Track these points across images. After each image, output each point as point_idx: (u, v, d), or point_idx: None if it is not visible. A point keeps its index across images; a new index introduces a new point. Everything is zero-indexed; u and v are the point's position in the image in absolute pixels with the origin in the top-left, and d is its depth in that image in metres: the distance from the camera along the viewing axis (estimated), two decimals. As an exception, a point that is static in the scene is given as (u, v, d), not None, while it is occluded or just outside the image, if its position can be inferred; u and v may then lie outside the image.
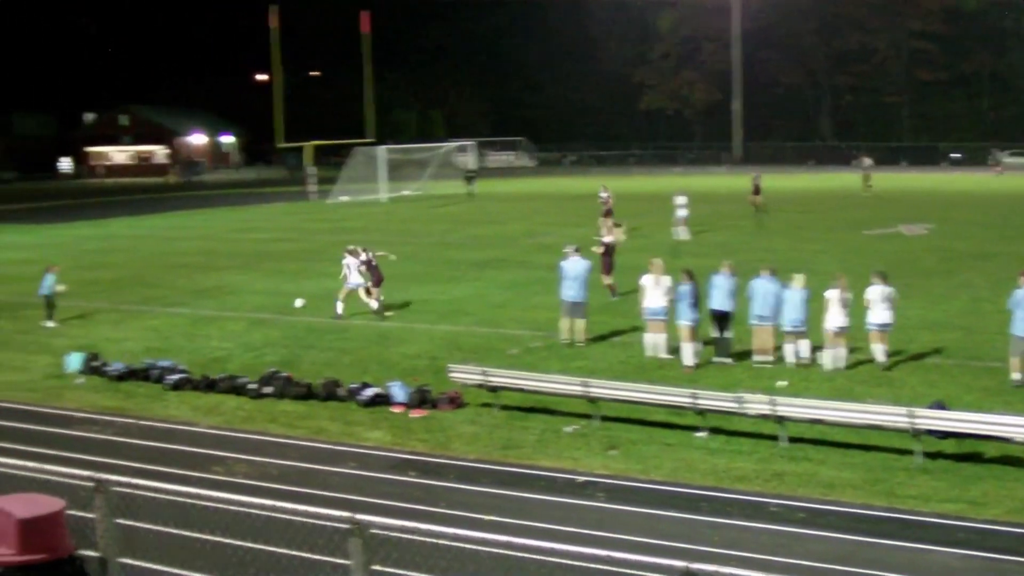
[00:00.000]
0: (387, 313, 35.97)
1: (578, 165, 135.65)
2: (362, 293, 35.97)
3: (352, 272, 36.02)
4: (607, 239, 38.94)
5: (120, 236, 64.74)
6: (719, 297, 28.22)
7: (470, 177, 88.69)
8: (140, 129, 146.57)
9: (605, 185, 57.05)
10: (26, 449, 21.41)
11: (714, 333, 28.36)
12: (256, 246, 56.80)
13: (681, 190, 56.92)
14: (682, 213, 54.80)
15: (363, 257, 36.27)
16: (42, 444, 22.47)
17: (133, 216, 79.69)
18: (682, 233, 53.89)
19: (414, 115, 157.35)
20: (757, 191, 66.37)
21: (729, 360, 27.87)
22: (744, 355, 28.07)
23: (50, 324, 36.05)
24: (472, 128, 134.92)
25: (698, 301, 27.69)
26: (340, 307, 35.81)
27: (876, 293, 27.05)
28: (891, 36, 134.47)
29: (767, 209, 64.35)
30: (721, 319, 28.25)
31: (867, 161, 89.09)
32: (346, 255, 36.26)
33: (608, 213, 52.68)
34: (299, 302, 37.39)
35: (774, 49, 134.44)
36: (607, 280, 37.35)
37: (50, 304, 36.39)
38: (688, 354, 27.40)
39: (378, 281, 36.22)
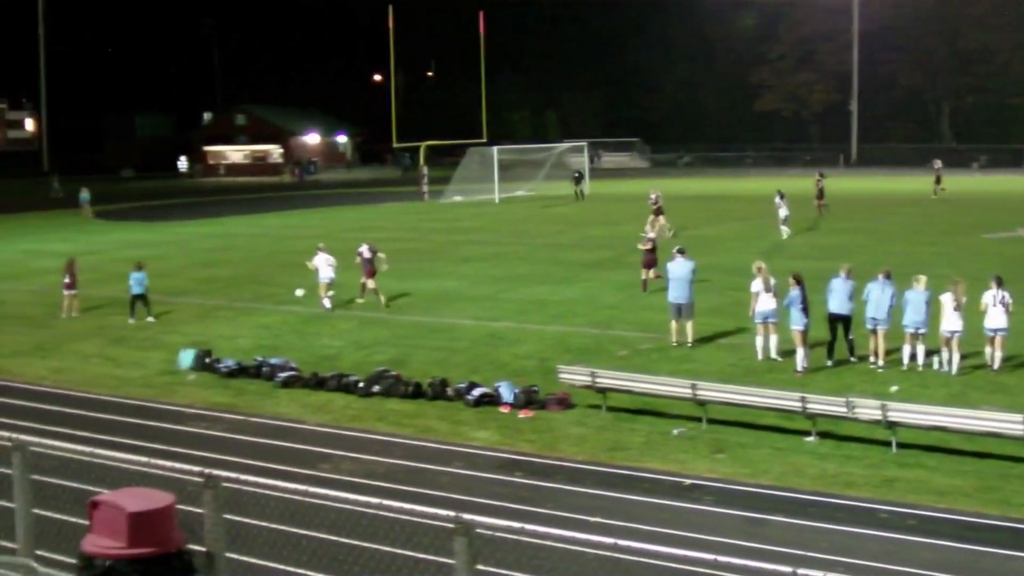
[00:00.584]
0: (386, 304, 38.01)
1: (693, 166, 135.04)
2: (323, 288, 37.85)
3: (322, 268, 37.91)
4: (652, 235, 41.23)
5: (236, 235, 65.46)
6: (837, 300, 27.96)
7: (578, 178, 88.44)
8: (256, 129, 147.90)
9: (655, 187, 56.11)
10: (138, 444, 21.72)
11: (830, 336, 28.08)
12: (369, 245, 57.04)
13: (779, 191, 56.72)
14: (783, 213, 55.15)
15: (361, 249, 39.08)
16: (154, 439, 22.78)
17: (249, 215, 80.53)
18: (784, 232, 53.97)
19: (528, 116, 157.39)
20: (821, 195, 66.59)
21: (853, 359, 27.76)
22: (861, 358, 27.81)
23: (149, 319, 36.96)
24: (586, 129, 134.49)
25: (807, 305, 27.37)
26: (327, 302, 37.54)
27: (992, 297, 26.65)
28: (1015, 37, 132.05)
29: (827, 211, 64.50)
30: (840, 322, 27.98)
31: (937, 163, 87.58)
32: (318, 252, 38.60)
33: (658, 212, 54.93)
34: (299, 291, 39.42)
35: (893, 50, 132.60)
36: (649, 274, 39.24)
37: (136, 301, 37.19)
38: (799, 358, 27.17)
39: (371, 274, 38.34)
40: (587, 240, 56.45)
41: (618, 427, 23.09)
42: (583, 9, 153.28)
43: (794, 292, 27.38)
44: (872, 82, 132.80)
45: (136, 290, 37.25)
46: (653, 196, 53.59)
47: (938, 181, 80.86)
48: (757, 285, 28.49)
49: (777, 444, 21.48)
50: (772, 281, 28.43)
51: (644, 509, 18.23)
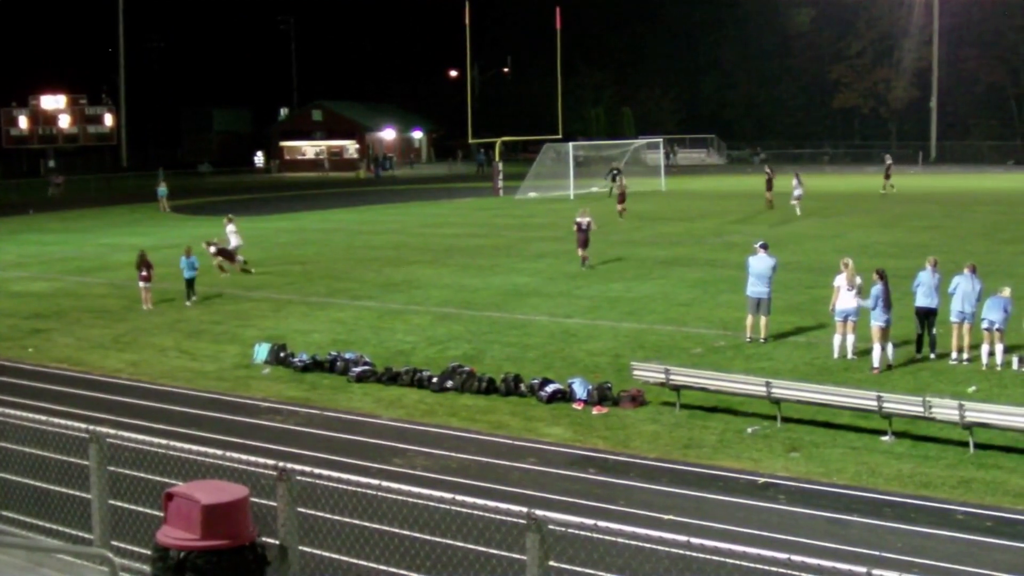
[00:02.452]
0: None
1: (769, 163, 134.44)
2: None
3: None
4: (582, 219, 45.68)
5: (311, 229, 65.81)
6: (924, 293, 27.72)
7: (615, 174, 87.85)
8: (332, 124, 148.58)
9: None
10: (213, 437, 21.91)
11: (918, 330, 27.85)
12: (445, 241, 57.25)
13: (797, 174, 57.97)
14: (797, 192, 60.40)
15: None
16: (228, 432, 22.97)
17: (324, 210, 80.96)
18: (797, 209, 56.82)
19: (603, 112, 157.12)
20: (770, 186, 69.66)
21: (932, 355, 27.51)
22: (941, 356, 27.57)
23: (193, 299, 39.32)
24: (661, 125, 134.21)
25: (890, 302, 27.12)
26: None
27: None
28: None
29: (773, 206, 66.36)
30: (926, 316, 27.75)
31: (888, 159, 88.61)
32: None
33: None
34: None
35: (975, 46, 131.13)
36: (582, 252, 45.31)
37: (189, 285, 39.45)
38: (877, 355, 26.94)
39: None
40: (661, 237, 56.26)
41: (692, 425, 23.00)
42: (660, 5, 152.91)
43: (876, 287, 27.14)
44: (953, 78, 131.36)
45: (188, 274, 39.19)
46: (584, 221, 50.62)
47: None
48: (840, 280, 28.24)
49: (853, 443, 21.30)
50: (857, 279, 28.20)
51: (717, 507, 18.14)
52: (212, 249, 44.99)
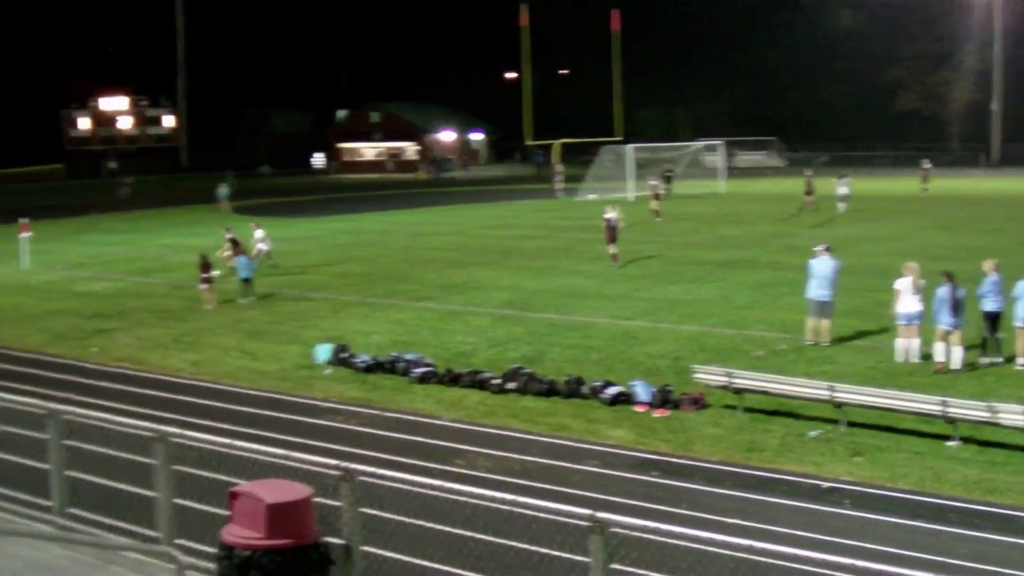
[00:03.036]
0: None
1: (829, 165, 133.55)
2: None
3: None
4: (611, 215, 47.02)
5: (370, 231, 66.01)
6: (992, 298, 27.48)
7: (668, 176, 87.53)
8: (391, 126, 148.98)
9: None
10: (276, 436, 22.00)
11: (985, 334, 27.63)
12: (504, 242, 57.29)
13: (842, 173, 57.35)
14: (842, 191, 60.73)
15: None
16: (291, 432, 23.06)
17: (383, 211, 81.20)
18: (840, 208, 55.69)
19: (660, 114, 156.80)
20: (810, 191, 69.73)
21: (1000, 359, 27.25)
22: (1009, 359, 27.34)
23: (252, 299, 39.89)
24: (718, 128, 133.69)
25: (957, 305, 26.86)
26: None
27: None
28: None
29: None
30: (992, 319, 27.50)
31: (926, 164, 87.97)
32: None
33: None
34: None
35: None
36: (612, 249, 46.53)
37: (244, 284, 40.19)
38: (939, 352, 26.81)
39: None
40: (721, 239, 56.05)
41: (754, 428, 22.88)
42: (718, 6, 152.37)
43: (942, 289, 26.94)
44: (1016, 80, 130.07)
45: (243, 274, 39.80)
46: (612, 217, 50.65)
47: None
48: (903, 284, 28.03)
49: (917, 448, 21.11)
50: (921, 282, 28.00)
51: (781, 511, 18.03)
52: (229, 236, 44.90)
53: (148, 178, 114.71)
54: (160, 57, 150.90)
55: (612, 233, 46.70)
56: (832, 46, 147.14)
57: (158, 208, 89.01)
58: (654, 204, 68.41)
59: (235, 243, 43.49)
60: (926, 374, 26.60)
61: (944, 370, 26.53)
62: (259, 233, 47.76)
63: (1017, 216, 64.52)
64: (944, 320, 26.78)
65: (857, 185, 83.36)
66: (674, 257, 49.20)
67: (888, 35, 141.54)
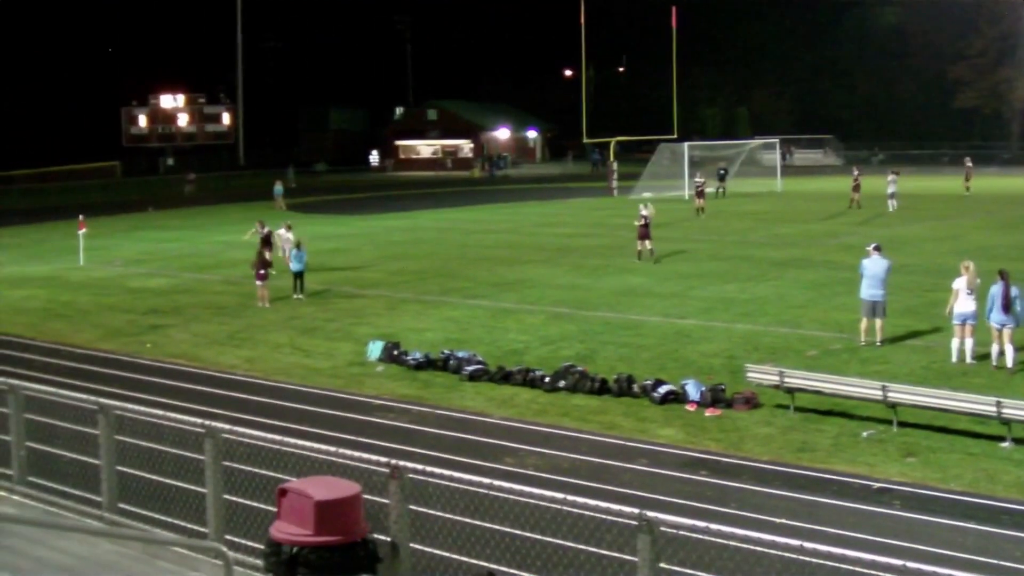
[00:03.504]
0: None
1: (886, 164, 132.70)
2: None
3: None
4: (645, 213, 48.39)
5: (425, 228, 66.13)
6: None
7: (722, 175, 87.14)
8: (447, 123, 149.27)
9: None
10: (326, 433, 22.07)
11: None
12: (558, 240, 57.27)
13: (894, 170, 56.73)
14: (891, 189, 60.17)
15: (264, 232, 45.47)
16: (341, 429, 23.14)
17: (438, 209, 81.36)
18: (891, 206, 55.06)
19: (719, 112, 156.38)
20: (857, 188, 71.18)
21: None
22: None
23: (300, 297, 40.04)
24: (777, 125, 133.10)
25: (1009, 303, 26.67)
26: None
27: None
28: None
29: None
30: None
31: (968, 162, 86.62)
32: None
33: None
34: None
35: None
36: (645, 244, 47.89)
37: (296, 278, 40.34)
38: (995, 353, 26.66)
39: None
40: (777, 238, 55.80)
41: (806, 428, 22.76)
42: (776, 4, 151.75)
43: (995, 287, 26.78)
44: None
45: (295, 267, 39.92)
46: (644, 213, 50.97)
47: (966, 179, 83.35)
48: (960, 283, 27.85)
49: (970, 449, 20.94)
50: (977, 281, 27.81)
51: (831, 512, 17.93)
52: (264, 231, 45.61)
53: (205, 175, 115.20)
54: (218, 54, 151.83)
55: (645, 229, 47.89)
56: (897, 43, 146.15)
57: (214, 205, 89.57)
58: (699, 201, 68.67)
59: (267, 240, 44.61)
60: (981, 375, 26.39)
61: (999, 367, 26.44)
62: (288, 235, 47.33)
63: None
64: (995, 318, 26.62)
65: (916, 183, 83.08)
66: (729, 255, 49.03)
67: (953, 31, 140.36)
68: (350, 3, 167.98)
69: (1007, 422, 20.89)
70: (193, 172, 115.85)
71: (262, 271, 38.97)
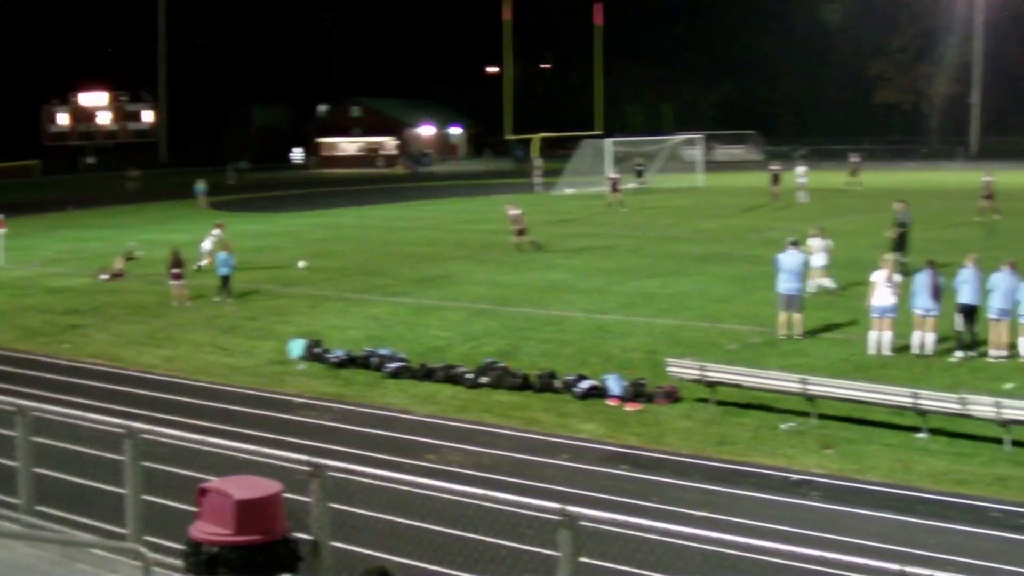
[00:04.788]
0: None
1: (809, 159, 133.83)
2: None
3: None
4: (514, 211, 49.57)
5: (347, 226, 65.98)
6: (968, 291, 27.66)
7: (639, 171, 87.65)
8: (371, 120, 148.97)
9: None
10: (247, 432, 21.99)
11: (959, 327, 27.78)
12: (481, 237, 57.35)
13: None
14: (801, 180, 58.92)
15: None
16: (262, 428, 23.06)
17: (361, 206, 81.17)
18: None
19: (642, 108, 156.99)
20: (776, 181, 73.32)
21: (973, 353, 27.37)
22: (981, 354, 27.51)
23: (228, 300, 39.09)
24: (701, 122, 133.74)
25: (937, 291, 27.20)
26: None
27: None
28: None
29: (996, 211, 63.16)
30: (969, 313, 27.68)
31: (854, 157, 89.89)
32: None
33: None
34: (302, 263, 43.38)
35: (1018, 41, 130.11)
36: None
37: (223, 281, 39.55)
38: (916, 341, 27.34)
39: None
40: (699, 233, 56.17)
41: (726, 421, 22.97)
42: (700, 1, 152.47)
43: (921, 275, 27.36)
44: (995, 74, 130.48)
45: (223, 271, 39.33)
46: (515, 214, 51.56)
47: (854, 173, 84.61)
48: (878, 276, 28.26)
49: (887, 440, 21.23)
50: (896, 277, 28.20)
51: (751, 504, 18.11)
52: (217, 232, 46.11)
53: (127, 173, 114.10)
54: (141, 51, 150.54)
55: (520, 227, 49.55)
56: (819, 40, 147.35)
57: (136, 204, 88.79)
58: (613, 197, 69.17)
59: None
60: (899, 366, 26.75)
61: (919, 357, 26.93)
62: (217, 232, 47.19)
63: (994, 209, 64.67)
64: (921, 304, 27.09)
65: (834, 178, 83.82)
66: (651, 251, 49.31)
67: (874, 28, 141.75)
68: (273, 0, 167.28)
69: (923, 413, 21.19)
70: (136, 168, 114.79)
71: (176, 271, 38.68)
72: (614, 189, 70.62)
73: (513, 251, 50.36)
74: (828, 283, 37.29)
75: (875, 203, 67.72)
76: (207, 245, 46.42)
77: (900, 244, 40.25)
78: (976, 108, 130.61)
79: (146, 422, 14.03)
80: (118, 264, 46.40)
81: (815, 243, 37.24)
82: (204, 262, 45.52)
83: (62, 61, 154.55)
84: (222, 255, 39.68)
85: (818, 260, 36.98)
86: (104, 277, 45.26)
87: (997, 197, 59.46)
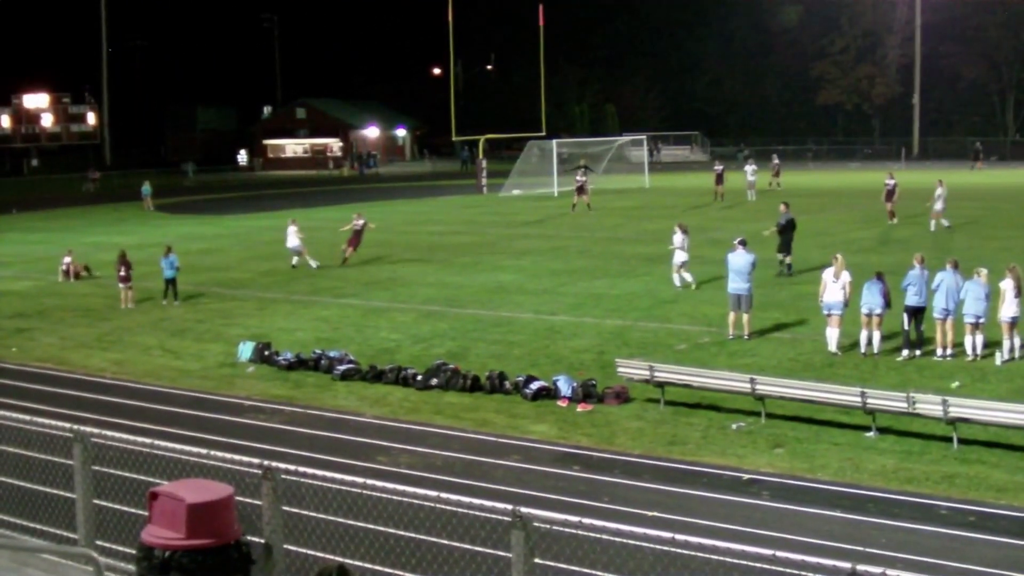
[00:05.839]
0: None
1: (753, 159, 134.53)
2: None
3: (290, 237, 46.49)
4: (359, 222, 47.81)
5: (296, 227, 65.68)
6: (914, 292, 27.87)
7: (583, 170, 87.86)
8: (316, 122, 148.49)
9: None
10: (197, 436, 21.89)
11: (906, 327, 28.00)
12: (428, 239, 57.30)
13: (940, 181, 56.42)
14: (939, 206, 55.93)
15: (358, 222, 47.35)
16: (213, 431, 22.97)
17: (307, 208, 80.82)
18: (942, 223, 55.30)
19: (587, 109, 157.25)
20: (720, 180, 74.81)
21: (918, 352, 27.59)
22: (927, 353, 27.72)
23: (176, 303, 38.83)
24: (645, 122, 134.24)
25: (887, 295, 27.54)
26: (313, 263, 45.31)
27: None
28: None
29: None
30: (915, 313, 27.90)
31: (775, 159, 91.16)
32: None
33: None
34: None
35: (958, 42, 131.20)
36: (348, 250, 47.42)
37: (168, 285, 39.15)
38: (863, 340, 27.74)
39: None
40: (645, 234, 56.29)
41: (676, 421, 23.05)
42: (644, 2, 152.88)
43: (869, 282, 27.70)
44: (935, 75, 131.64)
45: (168, 274, 38.90)
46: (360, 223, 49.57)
47: (776, 174, 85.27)
48: (828, 274, 28.53)
49: (836, 439, 21.37)
50: (846, 275, 28.41)
51: (702, 504, 18.19)
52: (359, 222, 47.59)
53: (69, 176, 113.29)
54: (83, 53, 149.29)
55: (357, 237, 47.66)
56: (760, 41, 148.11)
57: (83, 206, 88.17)
58: (579, 198, 69.03)
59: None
60: (847, 365, 26.95)
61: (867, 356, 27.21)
62: (292, 228, 47.14)
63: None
64: (867, 302, 27.46)
65: (787, 179, 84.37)
66: (599, 252, 49.41)
67: (815, 30, 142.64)
68: (217, 1, 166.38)
69: (871, 412, 21.34)
70: (96, 171, 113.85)
71: (123, 272, 38.46)
72: (580, 191, 70.40)
73: (460, 252, 50.33)
74: (689, 277, 38.63)
75: (820, 203, 68.27)
76: (293, 242, 47.11)
77: (785, 245, 40.78)
78: (917, 109, 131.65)
79: (95, 426, 13.92)
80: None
81: (676, 239, 38.77)
82: (300, 257, 46.96)
83: (4, 63, 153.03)
84: (165, 259, 39.26)
85: (680, 256, 38.77)
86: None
87: (897, 200, 59.09)
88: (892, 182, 58.75)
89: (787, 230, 41.03)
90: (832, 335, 28.26)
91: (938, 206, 54.88)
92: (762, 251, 36.39)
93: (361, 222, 47.73)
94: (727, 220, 60.82)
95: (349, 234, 47.87)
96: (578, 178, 73.85)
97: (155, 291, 40.04)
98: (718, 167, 76.83)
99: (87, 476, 12.26)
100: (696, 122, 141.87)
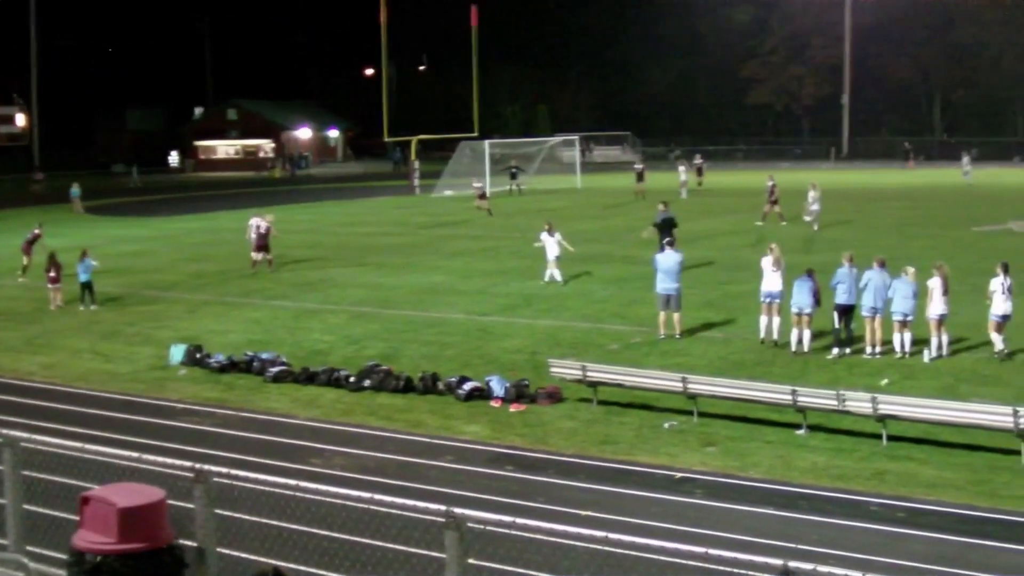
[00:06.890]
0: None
1: (684, 160, 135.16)
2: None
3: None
4: (261, 222, 46.61)
5: (226, 229, 65.25)
6: (844, 291, 28.12)
7: (514, 173, 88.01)
8: (247, 123, 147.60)
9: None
10: (128, 439, 21.74)
11: (836, 325, 28.25)
12: (361, 240, 57.18)
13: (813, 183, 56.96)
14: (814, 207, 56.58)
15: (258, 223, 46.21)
16: (144, 434, 22.80)
17: (238, 209, 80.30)
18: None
19: (520, 110, 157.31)
20: (641, 178, 77.20)
21: (848, 351, 27.87)
22: (856, 351, 27.98)
23: (93, 307, 38.08)
24: (577, 123, 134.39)
25: (816, 293, 27.80)
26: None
27: (999, 285, 27.10)
28: (1006, 31, 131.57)
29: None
30: (846, 312, 28.15)
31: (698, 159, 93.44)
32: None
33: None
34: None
35: (885, 43, 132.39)
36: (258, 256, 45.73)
37: (83, 289, 38.41)
38: (794, 339, 28.09)
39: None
40: (577, 234, 56.20)
41: (609, 421, 23.15)
42: (575, 3, 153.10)
43: (799, 280, 27.95)
44: (864, 76, 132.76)
45: (83, 278, 38.32)
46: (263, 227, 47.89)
47: (699, 172, 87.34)
48: (768, 263, 28.86)
49: (767, 437, 21.55)
50: (782, 262, 28.78)
51: (635, 502, 18.28)
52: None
53: (32, 176, 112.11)
54: (11, 54, 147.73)
55: (262, 240, 46.02)
56: (690, 42, 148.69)
57: (9, 209, 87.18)
58: (480, 203, 69.04)
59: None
60: (777, 363, 27.18)
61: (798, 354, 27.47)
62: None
63: (863, 208, 65.98)
64: (797, 301, 27.71)
65: (710, 178, 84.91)
66: (531, 252, 49.35)
67: (745, 31, 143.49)
68: (146, 1, 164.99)
69: (802, 410, 21.54)
70: (40, 171, 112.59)
71: (52, 274, 38.13)
72: (481, 196, 70.66)
73: (392, 253, 50.26)
74: (557, 275, 39.74)
75: (748, 202, 68.62)
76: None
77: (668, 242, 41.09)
78: (847, 109, 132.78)
79: (25, 430, 13.78)
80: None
81: (545, 237, 40.57)
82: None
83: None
84: (80, 263, 38.62)
85: (551, 252, 40.19)
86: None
87: (781, 201, 59.36)
88: (771, 183, 59.19)
89: (665, 228, 41.10)
90: (774, 323, 28.60)
91: (815, 207, 55.58)
92: (688, 252, 36.53)
93: (265, 225, 46.42)
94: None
95: (252, 242, 46.55)
96: (475, 185, 74.15)
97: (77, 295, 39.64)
98: (638, 166, 79.18)
99: (17, 481, 12.14)
100: (628, 122, 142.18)
